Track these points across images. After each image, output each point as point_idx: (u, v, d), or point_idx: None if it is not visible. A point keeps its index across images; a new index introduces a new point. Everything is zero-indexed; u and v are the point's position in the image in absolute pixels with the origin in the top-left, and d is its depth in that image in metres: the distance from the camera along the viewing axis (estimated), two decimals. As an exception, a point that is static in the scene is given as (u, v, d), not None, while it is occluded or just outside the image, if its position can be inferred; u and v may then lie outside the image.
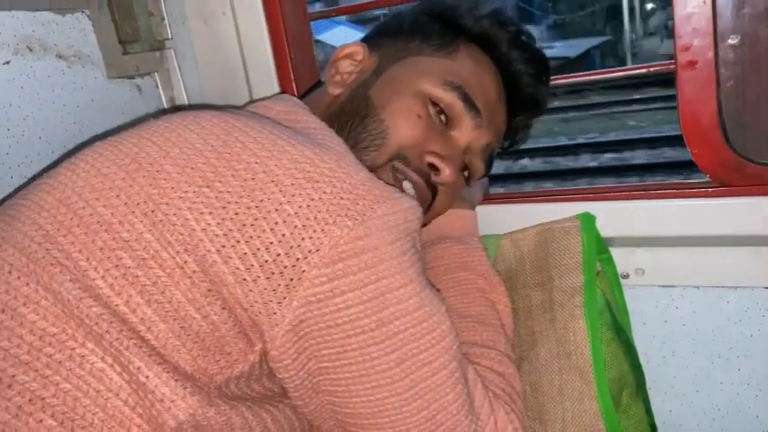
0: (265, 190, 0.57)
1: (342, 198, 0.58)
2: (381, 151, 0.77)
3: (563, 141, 7.76)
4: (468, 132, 0.82)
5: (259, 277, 0.56)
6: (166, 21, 1.12)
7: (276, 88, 1.12)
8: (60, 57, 0.96)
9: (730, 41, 0.87)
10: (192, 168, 0.58)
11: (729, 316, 0.92)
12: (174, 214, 0.56)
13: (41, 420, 0.53)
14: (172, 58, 1.14)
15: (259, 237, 0.56)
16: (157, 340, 0.56)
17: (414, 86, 0.80)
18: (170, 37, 1.13)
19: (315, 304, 0.56)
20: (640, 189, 0.97)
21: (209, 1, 1.12)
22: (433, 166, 0.79)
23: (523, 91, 0.89)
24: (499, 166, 7.17)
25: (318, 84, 0.91)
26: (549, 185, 6.10)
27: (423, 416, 0.62)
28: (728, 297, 0.92)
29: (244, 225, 0.56)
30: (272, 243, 0.56)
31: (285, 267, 0.56)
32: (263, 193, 0.57)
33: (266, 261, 0.56)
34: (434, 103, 0.80)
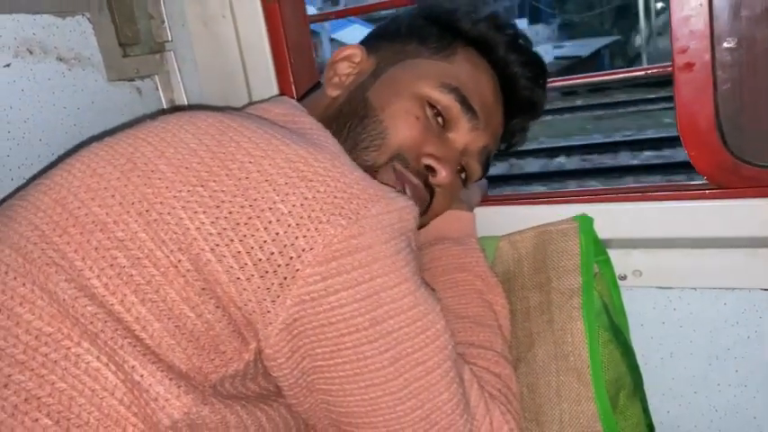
0: (259, 189, 0.57)
1: (336, 197, 0.58)
2: (382, 151, 0.77)
3: (599, 139, 7.67)
4: (465, 134, 0.83)
5: (253, 276, 0.56)
6: (166, 23, 1.13)
7: (275, 91, 1.12)
8: (61, 59, 0.97)
9: (727, 44, 0.87)
10: (186, 168, 0.58)
11: (727, 317, 0.93)
12: (169, 213, 0.57)
13: (37, 420, 0.54)
14: (172, 60, 1.14)
15: (253, 235, 0.56)
16: (152, 339, 0.56)
17: (411, 88, 0.80)
18: (170, 39, 1.13)
19: (308, 303, 0.56)
20: (637, 191, 0.97)
21: (209, 4, 1.12)
22: (429, 168, 0.79)
23: (520, 94, 0.90)
24: (534, 165, 7.14)
25: (317, 86, 0.91)
26: (593, 184, 5.94)
27: (417, 415, 0.62)
28: (726, 299, 0.92)
29: (237, 224, 0.56)
30: (265, 242, 0.56)
31: (279, 266, 0.56)
32: (257, 192, 0.57)
33: (260, 260, 0.56)
34: (432, 106, 0.80)
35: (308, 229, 0.56)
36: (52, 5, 0.95)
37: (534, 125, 0.98)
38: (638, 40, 14.87)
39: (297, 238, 0.56)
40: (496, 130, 0.89)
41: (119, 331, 0.55)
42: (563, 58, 14.26)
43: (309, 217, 0.56)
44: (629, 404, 0.88)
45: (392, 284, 0.59)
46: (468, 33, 0.87)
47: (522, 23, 16.17)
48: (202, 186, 0.57)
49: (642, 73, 1.12)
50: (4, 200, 0.71)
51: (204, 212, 0.56)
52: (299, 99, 0.95)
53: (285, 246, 0.56)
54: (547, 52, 14.81)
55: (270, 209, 0.56)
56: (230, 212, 0.56)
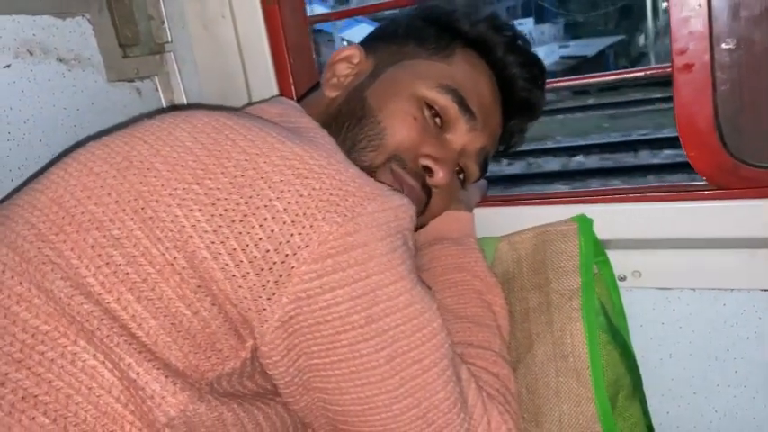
0: (254, 186, 0.57)
1: (331, 194, 0.58)
2: (379, 152, 0.77)
3: (617, 137, 7.63)
4: (462, 135, 0.83)
5: (248, 273, 0.56)
6: (166, 24, 1.13)
7: (275, 92, 1.12)
8: (60, 60, 0.97)
9: (726, 45, 0.88)
10: (182, 166, 0.58)
11: (726, 318, 0.93)
12: (164, 211, 0.57)
13: (34, 418, 0.54)
14: (172, 61, 1.15)
15: (248, 233, 0.56)
16: (148, 337, 0.56)
17: (409, 89, 0.80)
18: (170, 40, 1.14)
19: (304, 300, 0.56)
20: (637, 192, 0.97)
21: (208, 5, 1.12)
22: (427, 169, 0.79)
23: (518, 95, 0.90)
24: (555, 163, 7.11)
25: (316, 86, 0.91)
26: (616, 183, 5.89)
27: (413, 414, 0.62)
28: (725, 299, 0.92)
29: (233, 221, 0.56)
30: (261, 239, 0.56)
31: (274, 263, 0.56)
32: (253, 190, 0.57)
33: (255, 257, 0.56)
34: (430, 106, 0.81)
35: (304, 227, 0.56)
36: (52, 6, 0.95)
37: (550, 124, 0.98)
38: (642, 39, 14.87)
39: (292, 235, 0.56)
40: (495, 131, 0.89)
41: (114, 329, 0.55)
42: (569, 57, 14.28)
43: (305, 214, 0.57)
44: (627, 405, 0.88)
45: (388, 282, 0.59)
46: (467, 34, 0.87)
47: (528, 23, 16.17)
48: (198, 184, 0.57)
49: (642, 74, 1.12)
50: (3, 200, 0.71)
51: (200, 210, 0.56)
52: (299, 100, 0.95)
53: (281, 243, 0.56)
54: (553, 51, 14.82)
55: (265, 206, 0.57)
56: (226, 210, 0.56)
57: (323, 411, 0.64)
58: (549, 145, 7.79)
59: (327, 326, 0.58)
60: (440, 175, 0.79)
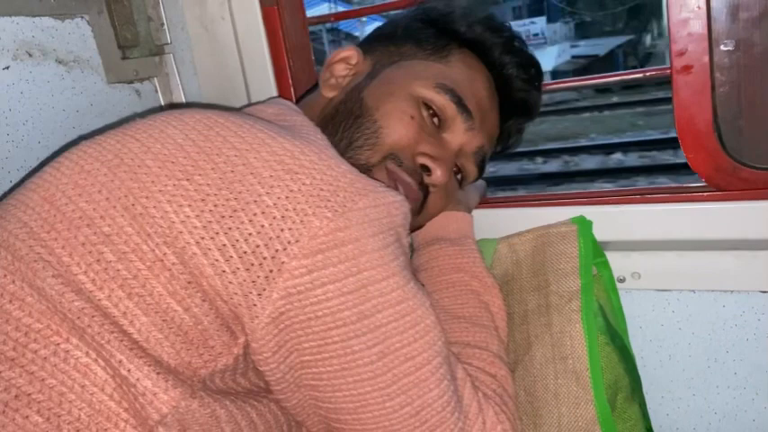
0: (244, 182, 0.57)
1: (321, 189, 0.58)
2: (375, 150, 0.78)
3: (655, 135, 7.52)
4: (460, 135, 0.83)
5: (238, 269, 0.56)
6: (165, 26, 1.13)
7: (274, 93, 1.12)
8: (60, 62, 0.97)
9: (725, 46, 0.88)
10: (172, 162, 0.58)
11: (725, 320, 0.93)
12: (154, 207, 0.57)
13: (27, 416, 0.54)
14: (171, 63, 1.15)
15: (238, 228, 0.56)
16: (140, 334, 0.56)
17: (407, 89, 0.80)
18: (169, 42, 1.14)
19: (295, 296, 0.56)
20: (636, 193, 0.97)
21: (208, 6, 1.12)
22: (424, 167, 0.79)
23: (516, 95, 0.90)
24: (591, 162, 7.01)
25: (314, 87, 0.91)
26: (663, 181, 5.78)
27: (406, 412, 0.61)
28: (724, 301, 0.92)
29: (223, 217, 0.56)
30: (250, 234, 0.56)
31: (264, 259, 0.56)
32: (242, 185, 0.57)
33: (245, 252, 0.56)
34: (427, 106, 0.81)
35: (294, 222, 0.56)
36: (51, 8, 0.95)
37: (582, 122, 0.99)
38: (652, 39, 14.88)
39: (282, 230, 0.56)
40: (492, 132, 0.90)
41: (105, 326, 0.55)
42: (580, 56, 14.31)
43: (295, 209, 0.56)
44: (626, 407, 0.88)
45: (380, 278, 0.59)
46: (464, 35, 0.87)
47: (540, 22, 16.17)
48: (188, 180, 0.57)
49: (641, 75, 1.12)
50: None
51: (189, 206, 0.56)
52: (297, 100, 0.95)
53: (270, 238, 0.56)
54: (564, 51, 14.83)
55: (255, 201, 0.56)
56: (215, 205, 0.56)
57: (315, 409, 0.64)
58: (584, 143, 7.72)
59: (318, 322, 0.57)
60: (437, 174, 0.79)
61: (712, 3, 0.86)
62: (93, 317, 0.55)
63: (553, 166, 7.14)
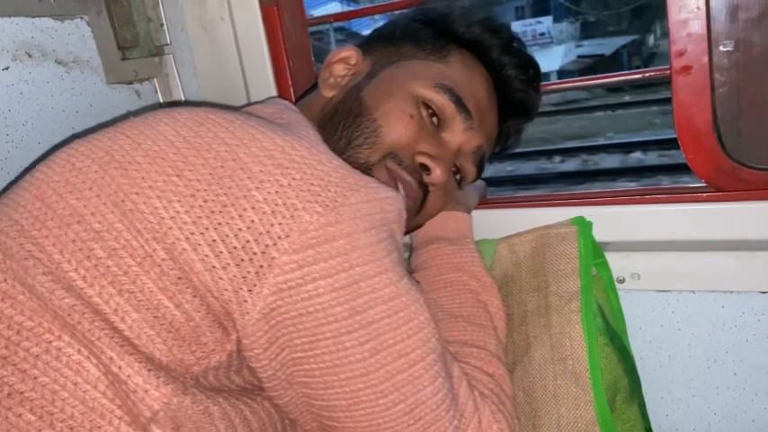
0: (234, 177, 0.57)
1: (312, 184, 0.57)
2: (375, 149, 0.78)
3: (674, 134, 7.51)
4: (459, 134, 0.83)
5: (228, 264, 0.56)
6: (165, 26, 1.13)
7: (274, 93, 1.12)
8: (59, 62, 0.97)
9: (725, 47, 0.88)
10: (162, 158, 0.58)
11: (725, 320, 0.92)
12: (144, 203, 0.56)
13: (20, 415, 0.54)
14: (170, 63, 1.15)
15: (227, 223, 0.56)
16: (131, 330, 0.56)
17: (406, 88, 0.81)
18: (169, 43, 1.14)
19: (286, 292, 0.56)
20: (635, 194, 0.97)
21: (207, 7, 1.12)
22: (424, 166, 0.79)
23: (514, 96, 0.90)
24: (613, 161, 6.95)
25: (314, 87, 0.91)
26: (687, 180, 5.70)
27: (399, 409, 0.61)
28: (724, 301, 0.92)
29: (212, 212, 0.56)
30: (240, 229, 0.55)
31: (255, 254, 0.55)
32: (232, 180, 0.57)
33: (235, 248, 0.55)
34: (426, 106, 0.81)
35: (284, 217, 0.56)
36: (51, 9, 0.95)
37: (598, 120, 0.98)
38: (656, 38, 14.88)
39: (272, 225, 0.55)
40: (491, 132, 0.90)
41: (96, 323, 0.55)
42: (586, 56, 14.30)
43: (285, 204, 0.56)
44: (625, 408, 0.88)
45: (372, 274, 0.59)
46: (463, 36, 0.88)
47: (547, 21, 16.17)
48: (177, 176, 0.57)
49: (639, 76, 1.12)
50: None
51: (179, 201, 0.56)
52: (296, 100, 0.95)
53: (260, 233, 0.55)
54: (570, 50, 14.83)
55: (245, 196, 0.56)
56: (205, 201, 0.56)
57: (308, 407, 0.63)
58: (602, 142, 7.67)
59: (310, 318, 0.57)
60: (437, 173, 0.79)
61: (712, 3, 0.86)
62: (83, 314, 0.55)
63: (572, 164, 7.08)
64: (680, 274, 0.93)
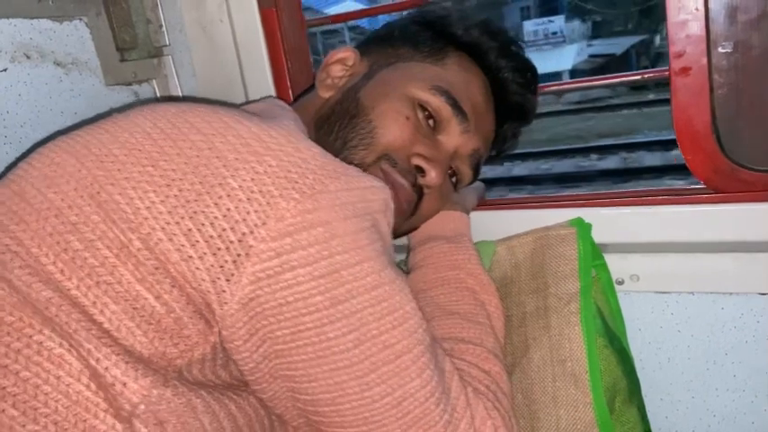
0: (209, 166, 0.56)
1: (289, 171, 0.56)
2: (370, 150, 0.78)
3: None
4: (455, 137, 0.83)
5: (205, 254, 0.55)
6: (164, 28, 1.13)
7: (273, 95, 1.12)
8: (58, 64, 0.97)
9: (723, 48, 0.87)
10: (138, 150, 0.58)
11: (724, 322, 0.92)
12: (119, 194, 0.56)
13: (3, 410, 0.53)
14: (169, 64, 1.15)
15: (203, 212, 0.55)
16: (110, 323, 0.55)
17: (403, 90, 0.80)
18: (168, 44, 1.14)
19: (264, 281, 0.55)
20: (635, 195, 0.97)
21: (206, 8, 1.12)
22: (419, 168, 0.79)
23: (511, 99, 0.90)
24: (653, 158, 6.87)
25: (311, 88, 0.92)
26: None
27: (386, 402, 0.60)
28: (723, 303, 0.92)
29: (188, 201, 0.55)
30: (216, 218, 0.55)
31: (231, 242, 0.55)
32: (207, 169, 0.56)
33: (211, 237, 0.55)
34: (423, 108, 0.81)
35: (260, 204, 0.55)
36: (50, 10, 0.95)
37: (632, 118, 0.98)
38: (658, 39, 14.91)
39: (248, 213, 0.55)
40: (487, 135, 0.90)
41: (73, 315, 0.55)
42: (597, 55, 14.30)
43: (261, 191, 0.55)
44: (624, 410, 0.88)
45: (353, 262, 0.57)
46: (461, 38, 0.88)
47: (559, 20, 16.17)
48: (153, 167, 0.57)
49: (638, 77, 1.12)
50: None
51: (154, 191, 0.56)
52: (294, 100, 0.95)
53: (237, 221, 0.55)
54: (582, 50, 14.82)
55: (220, 184, 0.55)
56: (180, 190, 0.56)
57: (293, 402, 0.62)
58: (640, 139, 7.61)
59: (290, 308, 0.56)
60: (432, 175, 0.79)
61: (711, 5, 0.86)
62: (60, 306, 0.55)
63: (611, 162, 7.02)
64: (679, 276, 0.93)
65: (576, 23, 16.78)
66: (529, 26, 16.97)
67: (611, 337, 0.88)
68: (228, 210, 0.55)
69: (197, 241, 0.55)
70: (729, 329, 0.92)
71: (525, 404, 0.86)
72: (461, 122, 0.82)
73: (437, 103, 0.81)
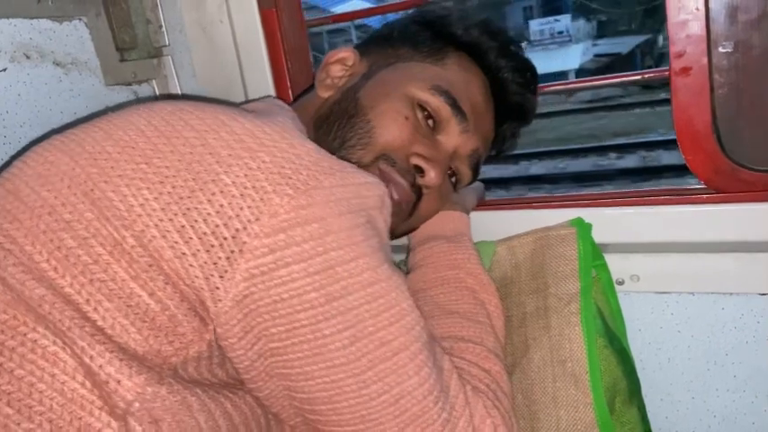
0: (203, 162, 0.56)
1: (282, 167, 0.56)
2: (368, 150, 0.77)
3: None
4: (454, 137, 0.83)
5: (198, 251, 0.55)
6: (164, 28, 1.13)
7: (272, 95, 1.12)
8: (57, 64, 0.97)
9: (724, 48, 0.87)
10: (132, 148, 0.58)
11: (725, 322, 0.92)
12: (113, 191, 0.56)
13: None
14: (169, 65, 1.15)
15: (196, 208, 0.55)
16: (104, 320, 0.55)
17: (402, 90, 0.80)
18: (167, 44, 1.14)
19: (258, 278, 0.55)
20: (635, 195, 0.97)
21: (206, 9, 1.12)
22: (418, 168, 0.79)
23: (511, 99, 0.90)
24: (671, 157, 6.79)
25: (311, 88, 0.92)
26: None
27: (384, 400, 0.59)
28: (724, 303, 0.92)
29: (181, 198, 0.55)
30: (209, 214, 0.55)
31: (225, 239, 0.54)
32: (201, 166, 0.56)
33: (205, 233, 0.54)
34: (422, 108, 0.81)
35: (253, 200, 0.55)
36: (49, 10, 0.95)
37: (645, 117, 0.98)
38: (661, 39, 14.94)
39: (242, 209, 0.54)
40: (487, 135, 0.90)
41: (66, 312, 0.54)
42: (603, 55, 14.31)
43: (254, 187, 0.55)
44: (625, 410, 0.88)
45: (348, 258, 0.57)
46: (460, 39, 0.88)
47: (565, 19, 16.17)
48: (146, 164, 0.57)
49: (639, 77, 1.12)
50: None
51: (148, 188, 0.56)
52: (294, 100, 0.95)
53: (230, 218, 0.54)
54: (588, 49, 14.84)
55: (213, 180, 0.55)
56: (173, 187, 0.55)
57: (289, 401, 0.62)
58: (655, 138, 7.58)
59: (285, 305, 0.55)
60: (431, 175, 0.79)
61: (711, 4, 0.85)
62: (53, 304, 0.55)
63: (630, 161, 6.98)
64: (679, 276, 0.93)
65: (582, 23, 16.79)
66: (535, 25, 16.96)
67: (612, 338, 0.88)
68: (221, 206, 0.55)
69: (190, 238, 0.55)
70: (730, 330, 0.92)
71: (525, 404, 0.86)
72: (461, 122, 0.82)
73: (436, 102, 0.81)
